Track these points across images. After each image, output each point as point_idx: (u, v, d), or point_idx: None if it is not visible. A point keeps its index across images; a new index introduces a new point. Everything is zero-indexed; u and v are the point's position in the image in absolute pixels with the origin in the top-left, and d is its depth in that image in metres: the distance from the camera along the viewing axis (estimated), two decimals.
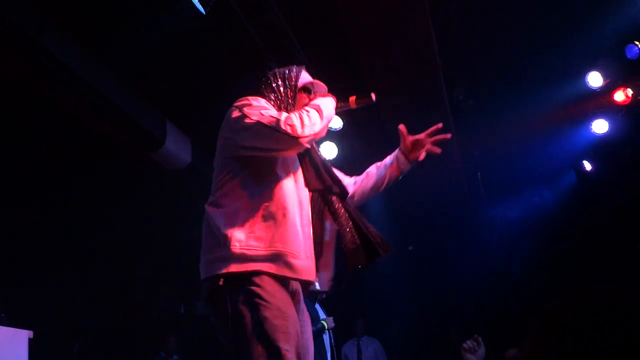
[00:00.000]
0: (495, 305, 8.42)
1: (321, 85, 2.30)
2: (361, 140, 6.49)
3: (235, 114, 2.00)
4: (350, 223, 2.17)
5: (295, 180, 2.09)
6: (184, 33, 4.41)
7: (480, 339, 2.76)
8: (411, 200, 8.17)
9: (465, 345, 2.74)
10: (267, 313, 1.79)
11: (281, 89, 2.16)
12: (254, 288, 1.82)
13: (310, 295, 4.65)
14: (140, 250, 6.21)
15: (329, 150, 6.08)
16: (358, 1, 4.43)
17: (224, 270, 1.84)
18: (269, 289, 1.84)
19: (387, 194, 7.48)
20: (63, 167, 5.28)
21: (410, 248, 9.68)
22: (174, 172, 5.75)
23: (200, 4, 3.83)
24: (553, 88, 6.30)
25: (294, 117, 1.92)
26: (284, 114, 1.95)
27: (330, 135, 5.88)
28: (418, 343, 8.75)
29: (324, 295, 4.76)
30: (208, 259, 1.92)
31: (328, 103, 2.11)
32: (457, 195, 8.11)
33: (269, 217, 1.92)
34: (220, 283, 1.85)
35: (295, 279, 1.97)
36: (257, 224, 1.90)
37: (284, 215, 1.95)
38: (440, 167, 7.21)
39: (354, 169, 7.27)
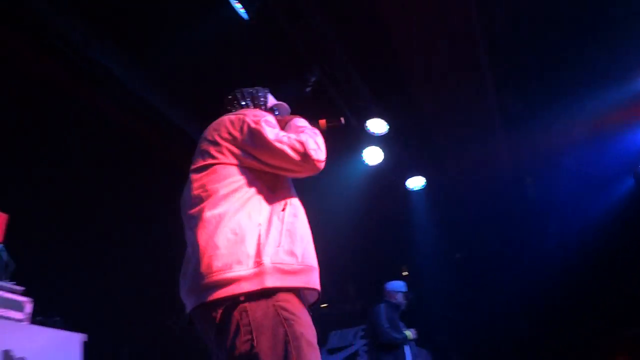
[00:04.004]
0: (547, 315, 8.10)
1: (285, 107, 2.32)
2: (405, 144, 6.40)
3: (253, 126, 1.91)
4: None
5: (298, 198, 2.07)
6: (227, 39, 4.46)
7: None
8: (459, 208, 8.01)
9: None
10: (302, 329, 1.68)
11: (251, 107, 2.21)
12: (283, 304, 1.69)
13: (395, 306, 5.06)
14: None
15: (374, 156, 6.02)
16: (403, 5, 4.39)
17: (253, 288, 1.67)
18: (296, 304, 1.74)
19: (434, 201, 7.44)
20: (113, 175, 5.43)
21: (457, 256, 9.47)
22: None
23: (244, 10, 3.88)
24: (606, 90, 6.04)
25: (312, 142, 1.91)
26: (302, 137, 1.91)
27: (375, 139, 5.83)
28: (468, 353, 8.52)
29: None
30: (224, 277, 1.68)
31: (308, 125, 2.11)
32: (507, 202, 7.88)
33: (295, 231, 1.86)
34: (242, 299, 1.67)
35: (317, 292, 1.91)
36: (285, 239, 1.80)
37: (307, 229, 1.95)
38: (489, 173, 7.04)
39: (398, 173, 7.21)
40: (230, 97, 2.29)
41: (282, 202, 1.91)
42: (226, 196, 1.83)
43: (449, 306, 9.03)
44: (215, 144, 1.94)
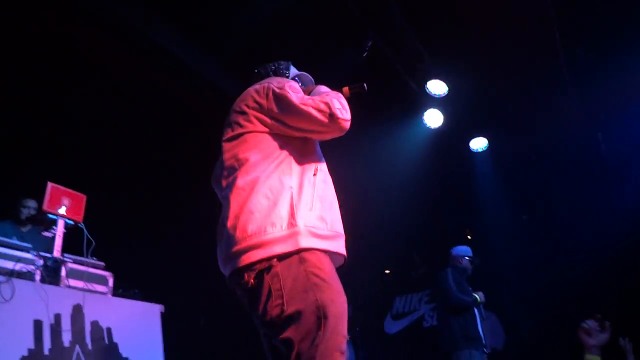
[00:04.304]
0: (620, 278, 7.76)
1: (308, 77, 2.33)
2: (467, 106, 6.20)
3: (278, 91, 1.94)
4: None
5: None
6: (281, 10, 4.43)
7: (607, 324, 2.40)
8: (525, 167, 7.73)
9: (585, 325, 2.39)
10: (332, 296, 1.70)
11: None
12: (313, 270, 1.71)
13: (461, 271, 5.08)
14: None
15: (435, 118, 5.88)
16: None
17: (287, 250, 1.71)
18: (327, 270, 1.75)
19: (498, 162, 7.20)
20: (183, 153, 5.59)
21: (524, 217, 9.19)
22: None
23: None
24: None
25: (337, 102, 1.91)
26: (327, 97, 1.92)
27: (435, 101, 5.69)
28: (535, 316, 8.34)
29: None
30: (257, 241, 1.73)
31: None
32: (577, 160, 7.52)
33: (325, 198, 1.91)
34: (274, 263, 1.70)
35: (343, 258, 1.94)
36: (316, 204, 1.84)
37: (334, 196, 1.98)
38: (557, 129, 6.73)
39: (461, 137, 7.02)
40: (254, 73, 2.33)
41: (313, 167, 1.94)
42: (257, 163, 1.87)
43: (516, 269, 8.83)
44: (243, 113, 1.97)
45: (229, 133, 1.99)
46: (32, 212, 4.69)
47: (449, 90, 5.44)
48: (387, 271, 9.77)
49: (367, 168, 7.10)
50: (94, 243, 3.86)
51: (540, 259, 8.64)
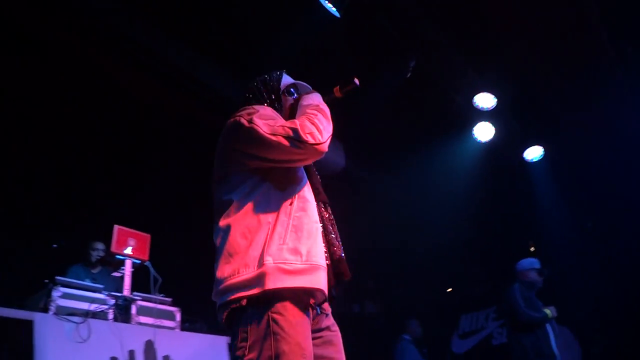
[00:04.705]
0: None
1: (304, 85, 2.22)
2: (517, 115, 6.08)
3: (247, 125, 1.86)
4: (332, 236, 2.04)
5: (310, 189, 2.01)
6: (322, 39, 4.53)
7: None
8: (584, 172, 7.45)
9: None
10: (285, 347, 1.66)
11: (264, 95, 2.15)
12: (276, 316, 1.69)
13: (529, 285, 4.87)
14: None
15: (484, 132, 5.79)
16: None
17: (253, 292, 1.70)
18: (292, 319, 1.71)
19: (556, 170, 6.98)
20: None
21: (589, 224, 8.81)
22: (328, 178, 5.94)
23: (334, 8, 3.91)
24: None
25: (309, 124, 1.84)
26: (297, 122, 1.84)
27: (485, 115, 5.61)
28: (611, 329, 7.90)
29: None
30: (230, 283, 1.75)
31: (320, 99, 2.04)
32: (638, 159, 7.18)
33: (302, 227, 1.83)
34: (244, 304, 1.72)
35: (322, 293, 1.86)
36: (290, 235, 1.79)
37: (315, 224, 1.89)
38: (613, 130, 6.48)
39: (514, 148, 6.83)
40: (247, 91, 2.26)
41: (290, 197, 1.89)
42: (239, 202, 1.85)
43: (585, 279, 8.44)
44: (221, 153, 1.97)
45: (215, 176, 1.99)
46: (101, 254, 4.93)
47: (497, 101, 5.36)
48: (449, 289, 9.56)
49: (421, 187, 7.03)
50: (160, 280, 4.00)
51: (610, 267, 8.24)
